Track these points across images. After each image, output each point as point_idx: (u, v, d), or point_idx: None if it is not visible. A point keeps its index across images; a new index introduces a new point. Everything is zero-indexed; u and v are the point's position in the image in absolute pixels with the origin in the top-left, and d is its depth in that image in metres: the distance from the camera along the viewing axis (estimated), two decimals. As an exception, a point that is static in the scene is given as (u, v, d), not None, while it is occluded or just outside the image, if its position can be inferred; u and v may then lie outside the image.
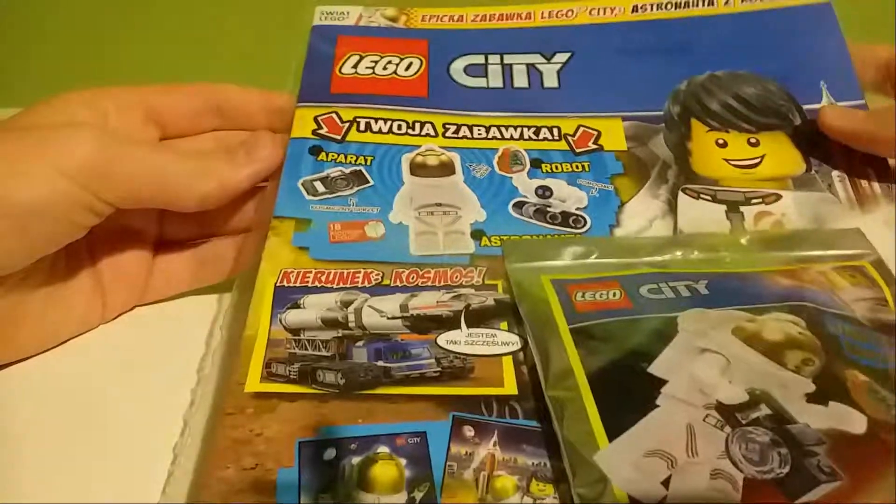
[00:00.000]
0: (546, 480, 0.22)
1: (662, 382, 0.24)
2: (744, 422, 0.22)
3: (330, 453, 0.22)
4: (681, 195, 0.33)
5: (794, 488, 0.20)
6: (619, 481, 0.21)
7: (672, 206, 0.32)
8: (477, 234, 0.32)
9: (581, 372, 0.25)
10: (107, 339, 0.32)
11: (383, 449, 0.23)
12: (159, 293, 0.33)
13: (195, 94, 0.34)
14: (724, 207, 0.33)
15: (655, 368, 0.25)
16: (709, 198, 0.33)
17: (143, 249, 0.33)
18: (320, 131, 0.35)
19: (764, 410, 0.23)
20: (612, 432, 0.22)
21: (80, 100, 0.30)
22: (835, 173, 0.33)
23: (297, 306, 0.28)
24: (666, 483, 0.21)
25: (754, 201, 0.32)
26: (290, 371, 0.25)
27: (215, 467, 0.22)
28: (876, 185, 0.33)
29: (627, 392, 0.24)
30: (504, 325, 0.28)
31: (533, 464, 0.23)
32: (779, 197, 0.32)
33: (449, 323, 0.28)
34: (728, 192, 0.33)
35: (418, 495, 0.22)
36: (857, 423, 0.22)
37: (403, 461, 0.22)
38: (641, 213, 0.32)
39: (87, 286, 0.31)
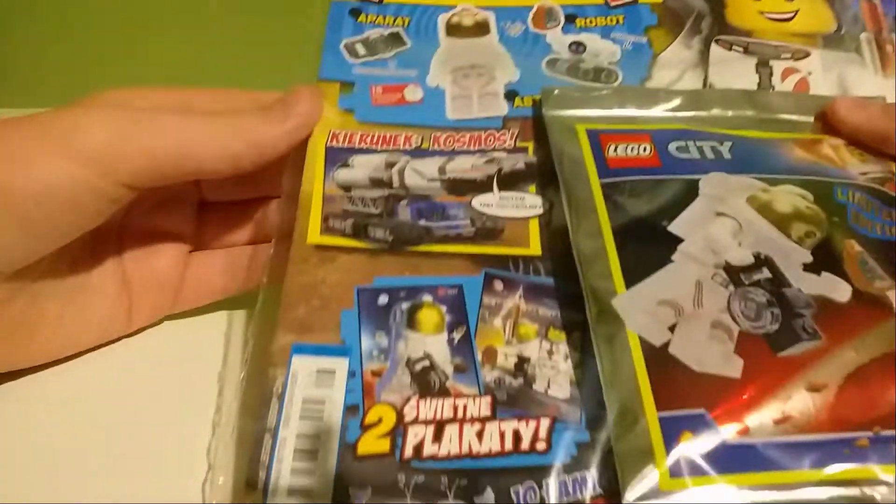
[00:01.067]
0: (561, 329, 0.26)
1: (679, 240, 0.27)
2: (746, 282, 0.26)
3: (383, 299, 0.26)
4: (713, 46, 0.33)
5: (779, 343, 0.24)
6: (631, 324, 0.24)
7: (704, 57, 0.33)
8: (510, 96, 0.33)
9: (608, 226, 0.27)
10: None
11: (427, 297, 0.26)
12: (191, 301, 0.30)
13: (235, 97, 0.30)
14: (754, 60, 0.33)
15: (675, 227, 0.27)
16: (740, 49, 0.33)
17: (176, 251, 0.30)
18: (360, -8, 0.35)
19: (765, 274, 0.26)
20: (630, 281, 0.25)
21: (110, 97, 0.27)
22: (863, 35, 0.34)
23: (346, 165, 0.31)
24: (672, 328, 0.24)
25: (784, 56, 0.33)
26: (344, 226, 0.28)
27: (288, 307, 0.25)
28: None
29: (647, 247, 0.27)
30: (532, 188, 0.31)
31: (552, 315, 0.26)
32: (807, 54, 0.33)
33: (482, 186, 0.30)
34: (760, 44, 0.34)
35: (456, 336, 0.26)
36: (842, 293, 0.25)
37: (444, 308, 0.26)
38: (673, 65, 0.33)
39: (111, 289, 0.28)
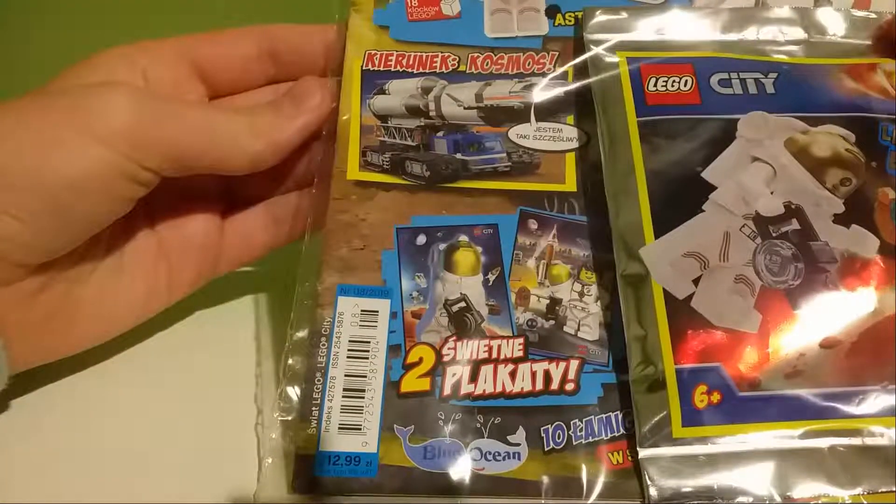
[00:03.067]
0: (593, 270, 0.27)
1: (712, 188, 0.27)
2: (774, 234, 0.26)
3: (421, 239, 0.27)
4: None
5: (799, 300, 0.25)
6: (657, 275, 0.25)
7: None
8: (551, 12, 0.32)
9: (641, 170, 0.27)
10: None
11: (463, 238, 0.27)
12: (233, 261, 0.29)
13: (245, 38, 0.29)
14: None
15: (708, 174, 0.27)
16: None
17: (210, 212, 0.29)
18: None
19: (794, 225, 0.26)
20: (660, 230, 0.26)
21: (118, 57, 0.26)
22: None
23: (382, 92, 0.31)
24: (696, 281, 0.25)
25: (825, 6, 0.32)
26: (383, 161, 0.29)
27: (331, 247, 0.27)
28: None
29: (679, 194, 0.27)
30: (570, 118, 0.31)
31: (584, 255, 0.28)
32: None
33: (519, 115, 0.30)
34: None
35: (491, 277, 0.27)
36: (870, 247, 0.26)
37: (479, 249, 0.27)
38: None
39: (148, 263, 0.27)
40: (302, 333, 0.25)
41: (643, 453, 0.23)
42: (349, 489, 0.22)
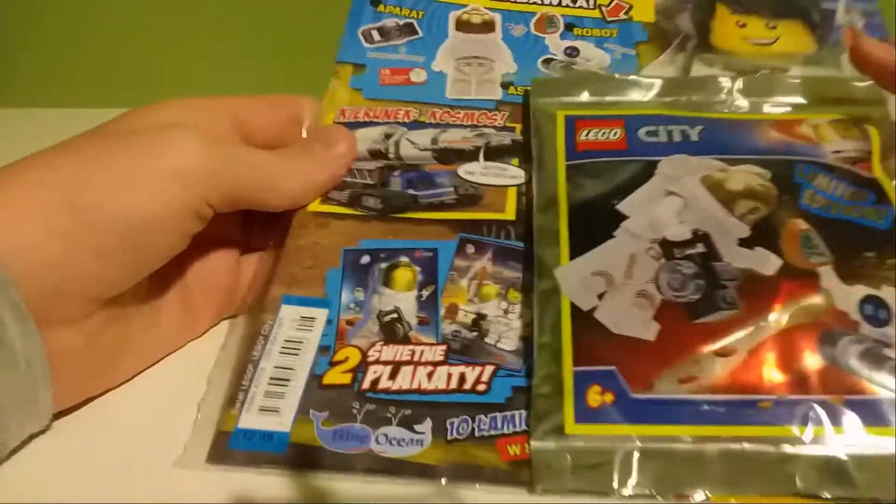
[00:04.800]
0: (520, 290, 0.30)
1: (624, 217, 0.30)
2: (678, 256, 0.28)
3: (365, 259, 0.31)
4: (696, 62, 0.37)
5: (697, 311, 0.27)
6: (565, 289, 0.28)
7: (687, 73, 0.36)
8: (506, 84, 0.37)
9: (564, 203, 0.30)
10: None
11: (404, 258, 0.31)
12: (246, 300, 0.31)
13: (279, 105, 0.33)
14: (733, 75, 0.35)
15: (623, 206, 0.30)
16: (721, 66, 0.36)
17: (229, 256, 0.31)
18: (380, -14, 0.39)
19: (699, 248, 0.28)
20: (575, 254, 0.29)
21: (176, 105, 0.29)
22: (843, 56, 0.35)
23: (350, 140, 0.35)
24: (601, 296, 0.28)
25: (763, 71, 0.35)
26: (342, 196, 0.33)
27: (285, 266, 0.30)
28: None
29: (595, 224, 0.30)
30: (515, 161, 0.34)
31: (513, 277, 0.30)
32: (786, 70, 0.35)
33: (470, 156, 0.34)
34: (740, 62, 0.36)
35: (425, 293, 0.30)
36: (770, 266, 0.28)
37: (418, 269, 0.31)
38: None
39: (177, 302, 0.29)
40: (243, 332, 0.29)
41: (535, 445, 0.25)
42: (258, 461, 0.25)
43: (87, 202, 0.24)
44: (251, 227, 0.33)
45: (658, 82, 0.34)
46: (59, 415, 0.26)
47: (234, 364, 0.28)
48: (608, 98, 0.34)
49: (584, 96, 0.34)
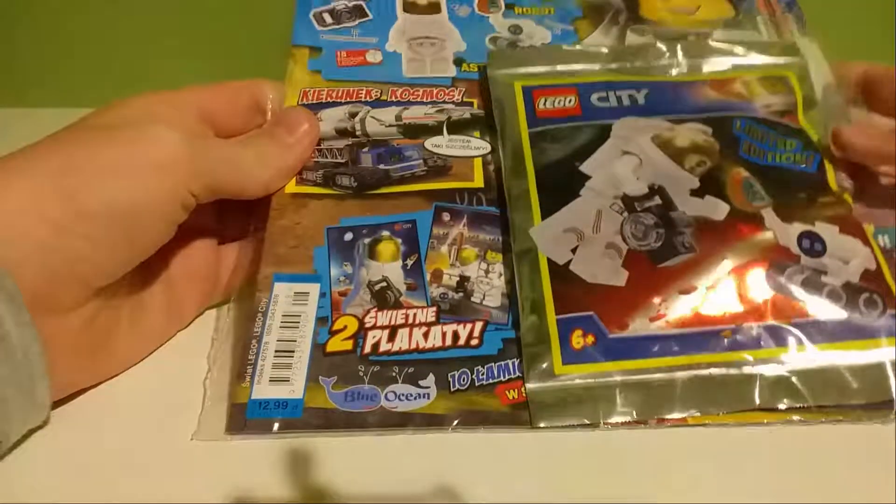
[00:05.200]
0: (497, 251, 0.32)
1: (588, 177, 0.32)
2: (639, 209, 0.31)
3: (348, 236, 0.32)
4: (629, 33, 0.40)
5: (659, 256, 0.30)
6: (542, 247, 0.30)
7: (621, 42, 0.39)
8: (458, 62, 0.39)
9: (531, 168, 0.33)
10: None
11: (385, 233, 0.32)
12: (228, 288, 0.32)
13: (241, 91, 0.33)
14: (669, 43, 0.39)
15: (586, 167, 0.33)
16: (651, 35, 0.39)
17: (208, 246, 0.32)
18: (328, -30, 0.40)
19: (656, 201, 0.32)
20: (546, 214, 0.31)
21: (147, 100, 0.29)
22: (759, 17, 0.39)
23: (317, 119, 0.36)
24: (574, 250, 0.30)
25: (690, 37, 0.39)
26: (316, 177, 0.34)
27: (270, 247, 0.32)
28: (795, 30, 0.39)
29: (561, 185, 0.32)
30: (477, 133, 0.36)
31: (490, 239, 0.32)
32: (709, 34, 0.39)
33: (434, 130, 0.36)
34: (668, 31, 0.39)
35: (409, 262, 0.32)
36: (719, 212, 0.31)
37: (399, 240, 0.32)
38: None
39: (163, 293, 0.30)
40: (243, 312, 0.30)
41: (530, 387, 0.27)
42: (277, 427, 0.26)
43: (77, 190, 0.25)
44: (225, 216, 0.33)
45: (604, 51, 0.37)
46: (59, 412, 0.27)
47: (233, 342, 0.29)
48: (559, 67, 0.37)
49: (538, 67, 0.37)
